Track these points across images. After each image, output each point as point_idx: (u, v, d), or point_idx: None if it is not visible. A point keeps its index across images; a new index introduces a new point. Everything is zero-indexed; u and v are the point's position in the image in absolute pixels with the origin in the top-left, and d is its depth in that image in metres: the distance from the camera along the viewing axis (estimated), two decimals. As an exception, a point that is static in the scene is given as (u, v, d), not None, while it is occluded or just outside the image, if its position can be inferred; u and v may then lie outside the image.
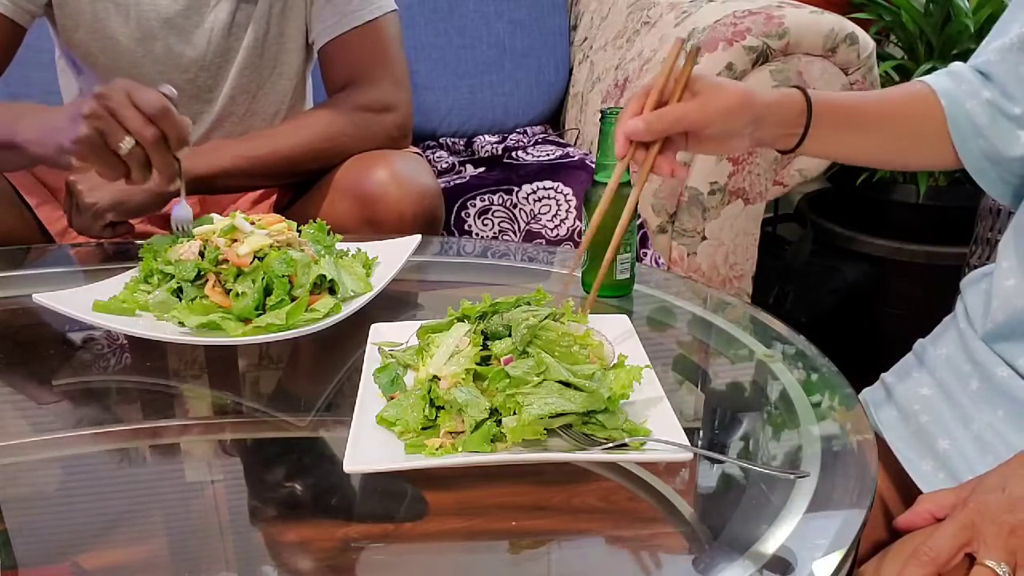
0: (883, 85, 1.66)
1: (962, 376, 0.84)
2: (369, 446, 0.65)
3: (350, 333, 0.85)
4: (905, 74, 1.86)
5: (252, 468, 0.74)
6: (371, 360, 0.77)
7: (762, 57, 1.46)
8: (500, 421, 0.65)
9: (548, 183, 1.49)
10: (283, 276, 0.87)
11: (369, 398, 0.72)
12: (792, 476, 0.63)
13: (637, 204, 0.92)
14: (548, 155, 1.65)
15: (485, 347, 0.70)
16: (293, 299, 0.86)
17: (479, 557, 0.63)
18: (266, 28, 1.29)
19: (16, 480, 0.73)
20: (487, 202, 1.47)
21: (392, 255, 1.00)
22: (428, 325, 0.76)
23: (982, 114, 0.82)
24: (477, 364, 0.69)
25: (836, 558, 0.56)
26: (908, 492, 0.80)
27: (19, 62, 1.21)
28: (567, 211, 1.47)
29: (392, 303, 0.95)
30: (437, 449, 0.65)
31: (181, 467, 0.75)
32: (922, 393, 0.86)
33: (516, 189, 1.48)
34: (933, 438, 0.82)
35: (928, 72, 1.81)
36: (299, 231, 0.96)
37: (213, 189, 1.18)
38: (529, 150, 1.72)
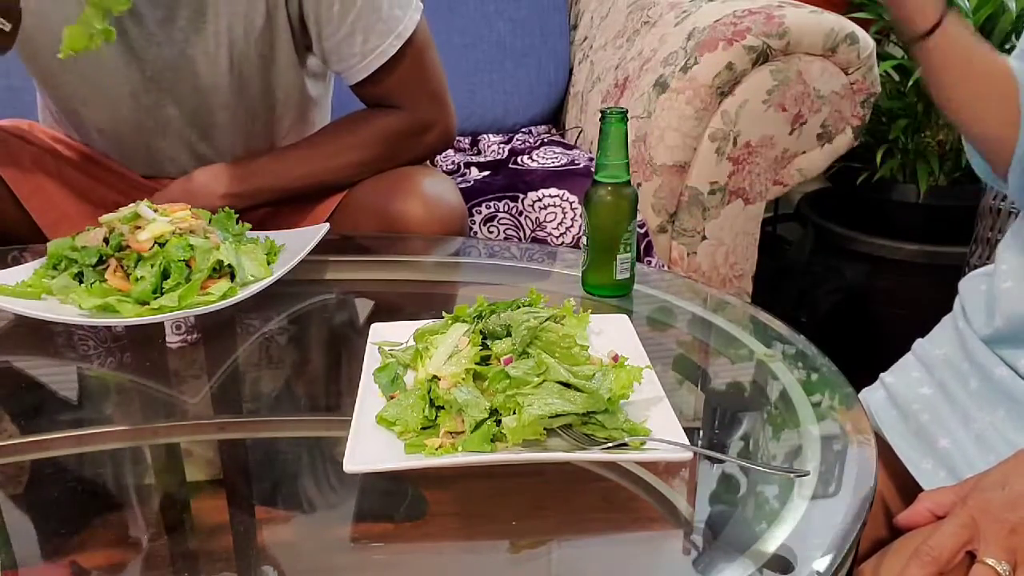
0: (883, 85, 1.66)
1: (961, 375, 0.84)
2: (369, 446, 0.65)
3: (350, 333, 0.85)
4: (905, 74, 1.85)
5: (252, 468, 0.74)
6: (371, 360, 0.77)
7: (762, 57, 1.46)
8: (500, 421, 0.65)
9: (554, 190, 1.49)
10: (181, 261, 0.89)
11: (369, 398, 0.71)
12: (792, 475, 0.63)
13: (637, 203, 0.92)
14: (554, 161, 1.65)
15: (485, 347, 0.70)
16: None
17: (479, 557, 0.63)
18: (254, 83, 1.21)
19: (16, 480, 0.73)
20: (493, 209, 1.47)
21: (300, 244, 1.01)
22: (425, 328, 0.76)
23: None
24: (477, 364, 0.69)
25: (836, 557, 0.56)
26: (908, 491, 0.80)
27: (17, 57, 1.21)
28: (572, 219, 1.47)
29: (392, 303, 0.95)
30: (437, 449, 0.65)
31: (181, 467, 0.75)
32: (922, 392, 0.87)
33: (522, 196, 1.48)
34: (933, 437, 0.82)
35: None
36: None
37: (244, 208, 1.13)
38: (535, 153, 1.71)
